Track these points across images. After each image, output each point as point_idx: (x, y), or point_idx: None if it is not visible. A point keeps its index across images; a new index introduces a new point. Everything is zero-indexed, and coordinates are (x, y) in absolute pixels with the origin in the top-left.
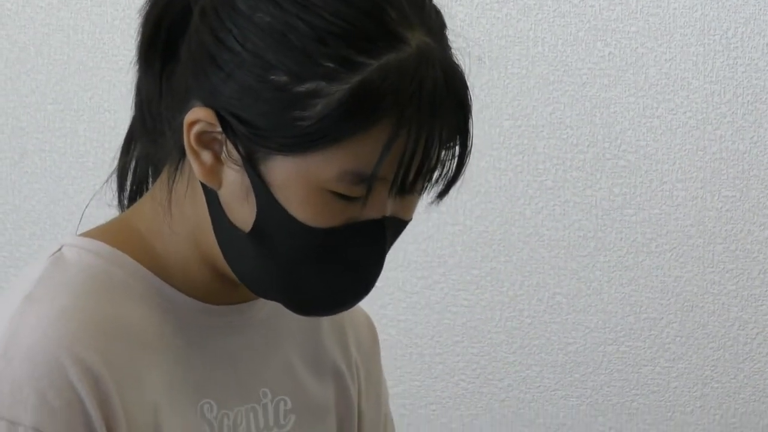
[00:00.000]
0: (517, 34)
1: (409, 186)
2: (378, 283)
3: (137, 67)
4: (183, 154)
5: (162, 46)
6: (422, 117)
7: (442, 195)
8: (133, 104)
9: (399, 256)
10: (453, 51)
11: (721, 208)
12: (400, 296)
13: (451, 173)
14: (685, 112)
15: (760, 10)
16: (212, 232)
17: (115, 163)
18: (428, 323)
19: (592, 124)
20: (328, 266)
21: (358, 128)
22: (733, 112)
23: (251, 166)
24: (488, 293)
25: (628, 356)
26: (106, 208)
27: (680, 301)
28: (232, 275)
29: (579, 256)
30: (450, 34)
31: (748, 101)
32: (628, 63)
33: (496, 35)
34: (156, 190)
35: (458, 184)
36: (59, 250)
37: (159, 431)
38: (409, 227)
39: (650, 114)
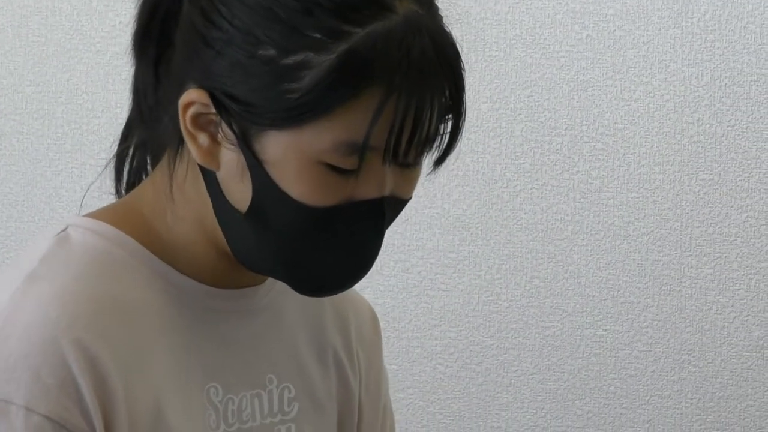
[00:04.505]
0: (495, 16)
1: (402, 155)
2: None
3: (132, 56)
4: (182, 140)
5: (157, 34)
6: (411, 83)
7: (437, 164)
8: (131, 93)
9: None
10: (444, 20)
11: (698, 191)
12: (378, 279)
13: (445, 142)
14: (663, 95)
15: None
16: (214, 213)
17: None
18: (406, 307)
19: (569, 107)
20: (325, 246)
21: (347, 97)
22: (710, 95)
23: (245, 145)
24: (466, 277)
25: (606, 340)
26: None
27: (657, 285)
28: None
29: (557, 239)
30: (441, 4)
31: (726, 84)
32: (606, 46)
33: (473, 17)
34: (157, 175)
35: (454, 153)
36: (65, 230)
37: (162, 413)
38: None
39: (628, 97)
